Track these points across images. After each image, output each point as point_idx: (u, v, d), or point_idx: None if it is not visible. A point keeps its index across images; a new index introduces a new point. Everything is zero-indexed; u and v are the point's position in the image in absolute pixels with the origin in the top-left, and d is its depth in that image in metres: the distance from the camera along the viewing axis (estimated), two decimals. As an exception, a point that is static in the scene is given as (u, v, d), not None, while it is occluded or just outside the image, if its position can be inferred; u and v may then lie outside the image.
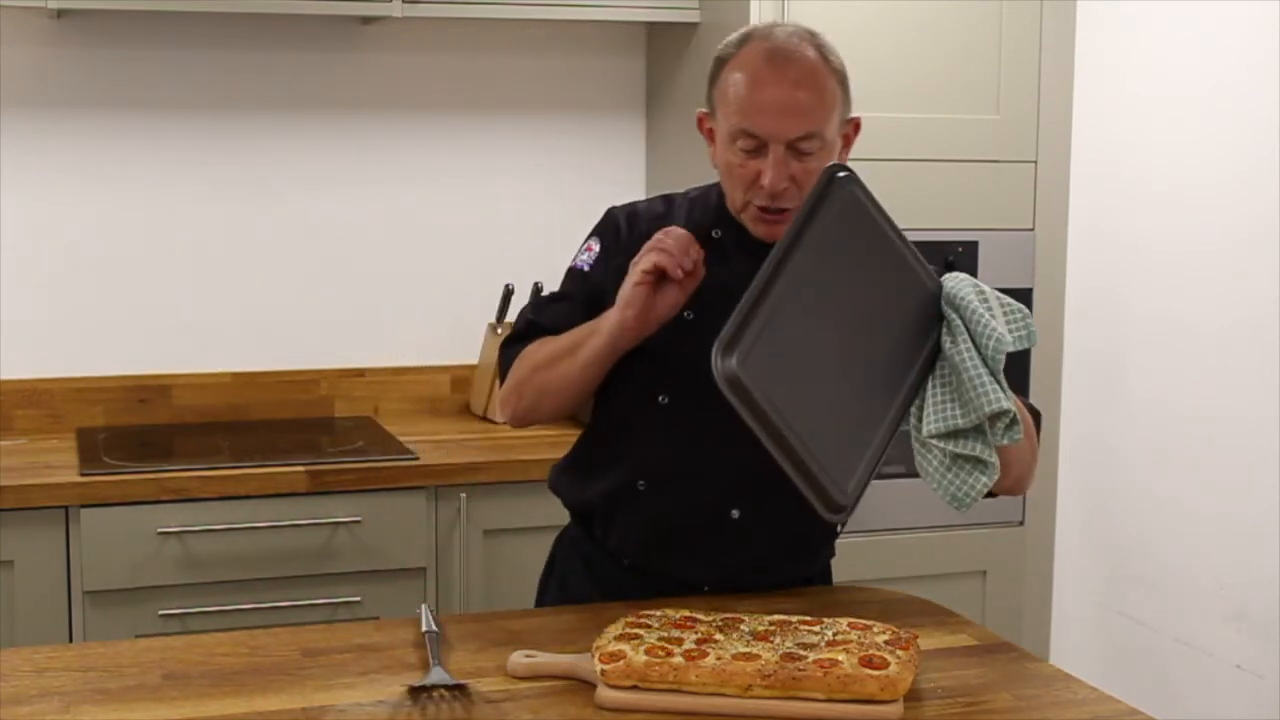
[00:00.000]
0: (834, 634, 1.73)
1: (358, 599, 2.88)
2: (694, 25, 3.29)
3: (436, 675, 1.67)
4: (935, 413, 1.78)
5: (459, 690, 1.65)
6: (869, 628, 1.75)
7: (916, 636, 1.75)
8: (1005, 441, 1.76)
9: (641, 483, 2.05)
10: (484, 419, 3.37)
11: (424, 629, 1.82)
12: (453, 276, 3.49)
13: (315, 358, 3.41)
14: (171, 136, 3.29)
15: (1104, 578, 3.29)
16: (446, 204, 3.48)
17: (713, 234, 2.02)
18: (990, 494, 1.84)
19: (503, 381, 2.10)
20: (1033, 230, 3.23)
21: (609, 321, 1.92)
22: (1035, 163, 3.22)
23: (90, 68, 3.23)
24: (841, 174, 1.82)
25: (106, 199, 3.27)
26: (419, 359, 3.49)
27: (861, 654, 1.65)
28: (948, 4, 3.13)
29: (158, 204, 3.30)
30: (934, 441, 1.78)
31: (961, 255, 3.18)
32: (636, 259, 1.91)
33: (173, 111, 3.29)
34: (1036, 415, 2.00)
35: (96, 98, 3.24)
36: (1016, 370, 3.26)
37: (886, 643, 1.69)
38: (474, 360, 3.45)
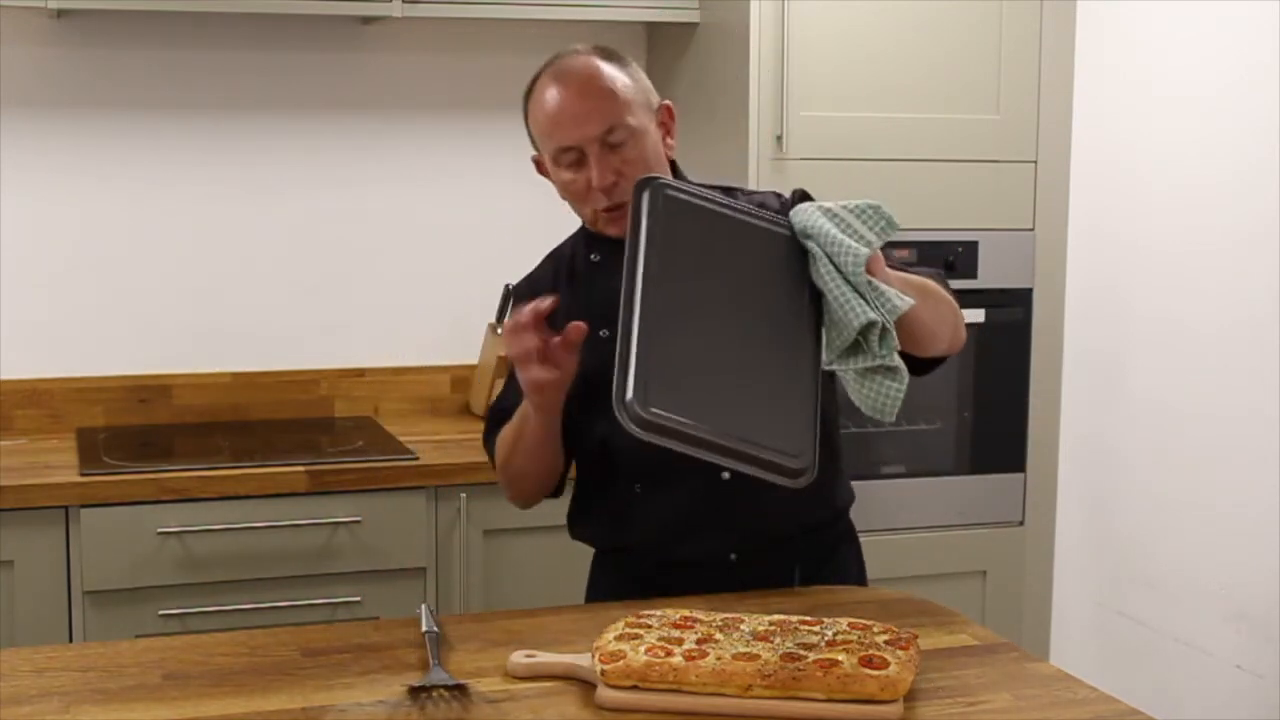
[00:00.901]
0: (834, 634, 1.73)
1: (358, 599, 2.88)
2: (694, 25, 3.29)
3: (436, 675, 1.67)
4: (825, 342, 1.81)
5: (459, 690, 1.65)
6: (869, 628, 1.75)
7: (916, 636, 1.75)
8: (885, 351, 1.77)
9: (638, 486, 2.12)
10: (484, 419, 3.37)
11: (424, 629, 1.82)
12: (453, 276, 3.49)
13: (315, 358, 3.41)
14: (171, 136, 3.29)
15: (1104, 578, 3.29)
16: (446, 204, 3.48)
17: (591, 258, 2.17)
18: (934, 361, 1.99)
19: (495, 469, 2.27)
20: (1033, 230, 3.23)
21: (528, 404, 2.05)
22: (1035, 163, 3.22)
23: (90, 68, 3.23)
24: (650, 182, 1.86)
25: (106, 199, 3.27)
26: (419, 359, 3.49)
27: (861, 654, 1.65)
28: (948, 4, 3.13)
29: (158, 204, 3.30)
30: (835, 368, 1.81)
31: (962, 255, 3.18)
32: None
33: (173, 111, 3.29)
34: (940, 276, 2.06)
35: (96, 98, 3.24)
36: (1017, 367, 3.26)
37: (886, 643, 1.69)
38: (474, 360, 3.45)
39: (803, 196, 2.07)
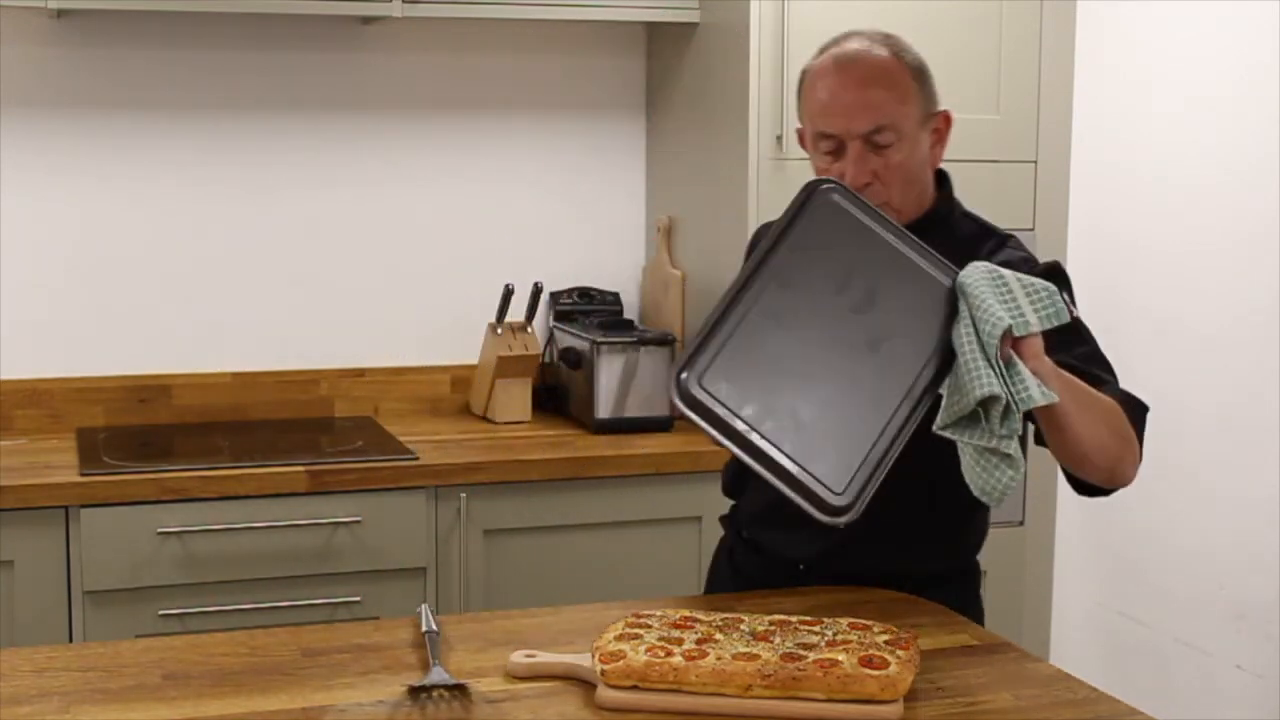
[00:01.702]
0: (834, 634, 1.73)
1: (358, 599, 2.88)
2: (694, 25, 3.29)
3: (436, 675, 1.67)
4: (944, 405, 1.76)
5: (459, 690, 1.65)
6: (869, 628, 1.75)
7: (916, 636, 1.75)
8: (1005, 432, 1.70)
9: None
10: (484, 419, 3.38)
11: (424, 629, 1.82)
12: (453, 276, 3.49)
13: (315, 358, 3.41)
14: (171, 136, 3.29)
15: (1104, 578, 3.29)
16: (446, 204, 3.48)
17: None
18: (1094, 488, 1.89)
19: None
20: (1033, 230, 3.23)
21: None
22: (1035, 163, 3.21)
23: (90, 68, 3.23)
24: (824, 185, 1.84)
25: (106, 199, 3.27)
26: (419, 359, 3.49)
27: (861, 654, 1.65)
28: (948, 4, 3.13)
29: (158, 204, 3.30)
30: (948, 434, 1.75)
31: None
32: None
33: (172, 111, 3.29)
34: (1136, 406, 1.94)
35: (96, 98, 3.24)
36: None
37: (886, 643, 1.69)
38: (474, 360, 3.45)
39: (1053, 270, 1.97)
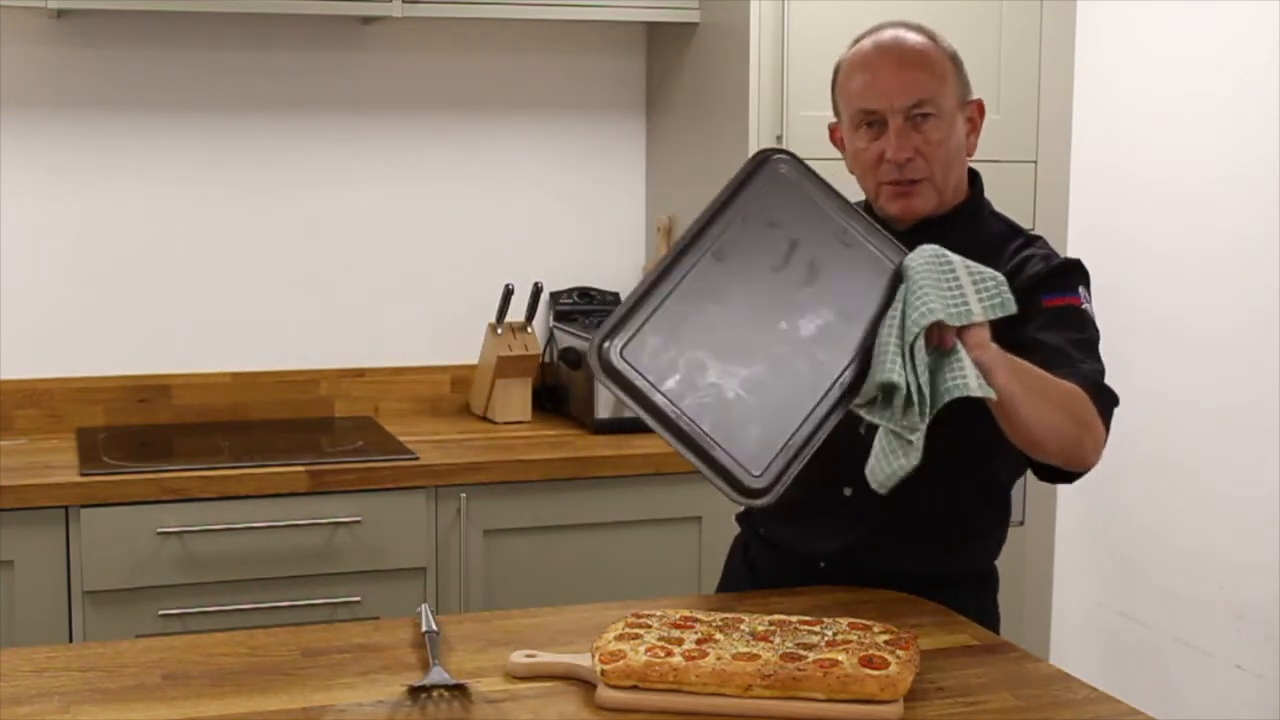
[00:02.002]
0: (834, 634, 1.73)
1: (358, 599, 2.88)
2: (694, 25, 3.29)
3: (436, 675, 1.67)
4: (863, 385, 1.72)
5: (459, 690, 1.65)
6: (869, 628, 1.75)
7: (917, 636, 1.75)
8: (906, 423, 1.68)
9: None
10: (484, 419, 3.37)
11: (424, 629, 1.82)
12: (453, 276, 3.49)
13: (315, 358, 3.41)
14: (171, 136, 3.29)
15: (1104, 578, 3.29)
16: (446, 204, 3.48)
17: None
18: (1057, 473, 1.91)
19: None
20: (1033, 230, 3.23)
21: None
22: (1035, 163, 3.21)
23: (90, 68, 3.23)
24: (775, 155, 1.82)
25: (106, 199, 3.27)
26: (419, 359, 3.49)
27: (861, 654, 1.65)
28: (948, 4, 3.13)
29: (158, 204, 3.30)
30: (863, 414, 1.72)
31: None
32: None
33: (172, 111, 3.29)
34: (1102, 392, 1.95)
35: (96, 98, 3.24)
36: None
37: (886, 643, 1.69)
38: (474, 360, 3.45)
39: (1072, 267, 2.00)
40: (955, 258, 1.78)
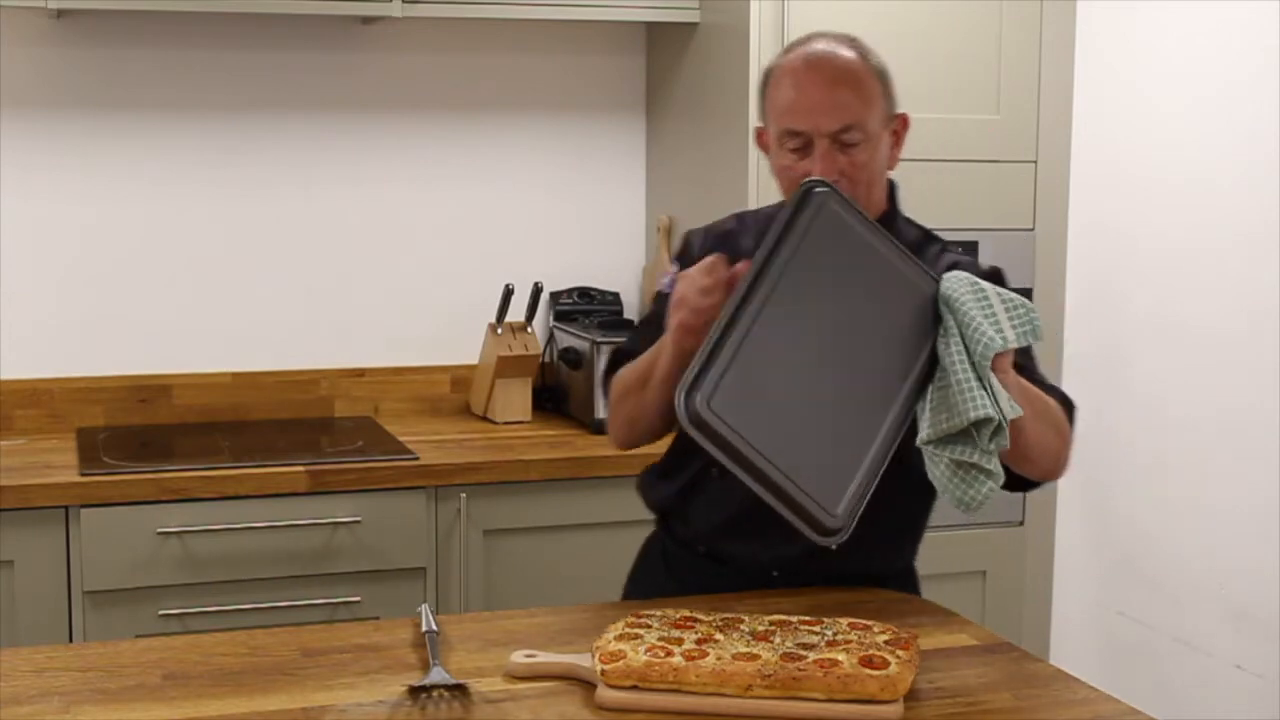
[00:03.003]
0: (834, 634, 1.73)
1: (358, 599, 2.88)
2: (694, 25, 3.29)
3: (436, 675, 1.67)
4: (930, 419, 1.78)
5: (459, 690, 1.65)
6: (869, 628, 1.75)
7: (916, 636, 1.75)
8: (993, 449, 1.75)
9: (715, 469, 2.06)
10: (484, 419, 3.38)
11: (424, 629, 1.82)
12: (453, 276, 3.49)
13: (315, 358, 3.41)
14: (171, 136, 3.29)
15: (1104, 578, 3.29)
16: (446, 204, 3.48)
17: None
18: (1028, 483, 1.94)
19: (605, 391, 2.23)
20: (1033, 230, 3.23)
21: (668, 340, 1.98)
22: (1035, 163, 3.21)
23: (90, 68, 3.23)
24: (819, 189, 1.85)
25: (106, 199, 3.27)
26: (419, 359, 3.49)
27: (861, 654, 1.65)
28: (948, 4, 3.13)
29: (158, 204, 3.30)
30: (931, 449, 1.78)
31: (961, 255, 3.18)
32: (670, 308, 1.95)
33: (173, 111, 3.29)
34: (1068, 403, 2.01)
35: (96, 98, 3.24)
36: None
37: (886, 643, 1.69)
38: (474, 360, 3.45)
39: (953, 266, 2.04)
40: (985, 284, 1.83)
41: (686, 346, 1.92)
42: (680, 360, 1.94)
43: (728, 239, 2.12)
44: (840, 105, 1.98)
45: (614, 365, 2.23)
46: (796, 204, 1.83)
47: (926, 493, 2.05)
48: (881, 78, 2.03)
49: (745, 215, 2.23)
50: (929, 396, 1.80)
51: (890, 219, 2.10)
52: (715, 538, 2.13)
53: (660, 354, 2.02)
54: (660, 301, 2.15)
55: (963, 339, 1.78)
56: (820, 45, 2.03)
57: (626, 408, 2.15)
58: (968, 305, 1.79)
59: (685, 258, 2.14)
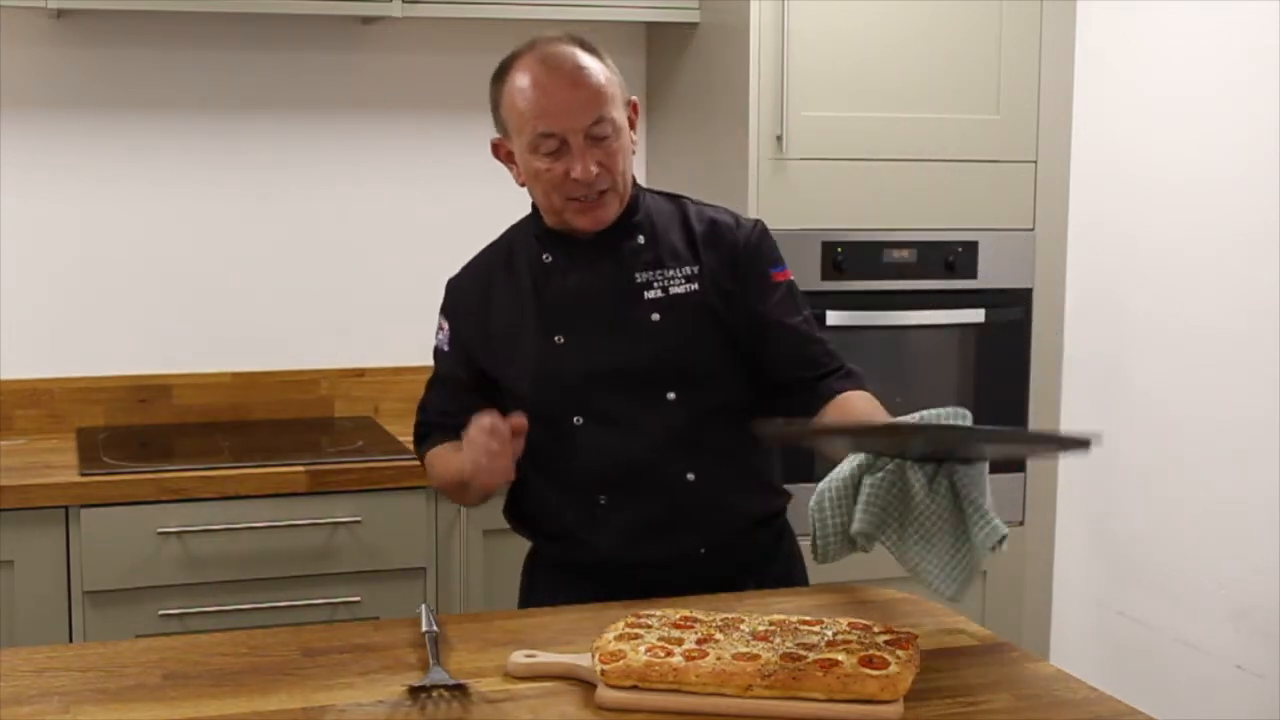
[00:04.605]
0: (834, 634, 1.73)
1: (358, 599, 2.88)
2: (694, 25, 3.29)
3: (436, 675, 1.67)
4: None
5: (459, 690, 1.65)
6: (869, 628, 1.75)
7: (916, 636, 1.75)
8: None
9: (602, 497, 2.13)
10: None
11: (424, 629, 1.82)
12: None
13: (315, 358, 3.41)
14: (171, 136, 3.29)
15: (1104, 578, 3.29)
16: (447, 204, 3.48)
17: (544, 259, 2.18)
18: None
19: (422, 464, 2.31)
20: (1033, 230, 3.23)
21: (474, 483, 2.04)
22: (1035, 163, 3.22)
23: (90, 68, 3.23)
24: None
25: (106, 199, 3.27)
26: (419, 359, 3.48)
27: (861, 654, 1.65)
28: (948, 4, 3.13)
29: (157, 203, 3.30)
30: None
31: (961, 255, 3.18)
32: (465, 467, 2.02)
33: (173, 111, 3.29)
34: (863, 380, 2.15)
35: (96, 98, 3.24)
36: (1016, 367, 3.26)
37: (886, 643, 1.69)
38: (474, 360, 3.45)
39: (765, 230, 2.17)
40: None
41: (491, 489, 2.04)
42: (484, 494, 2.08)
43: (488, 282, 2.24)
44: (587, 101, 2.04)
45: (424, 436, 2.29)
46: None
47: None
48: (609, 67, 2.10)
49: (499, 245, 2.32)
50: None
51: (638, 194, 2.17)
52: (635, 550, 2.13)
53: (466, 472, 2.03)
54: (442, 360, 2.26)
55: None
56: (550, 48, 2.09)
57: (455, 498, 2.26)
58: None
59: (452, 311, 2.27)
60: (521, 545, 2.99)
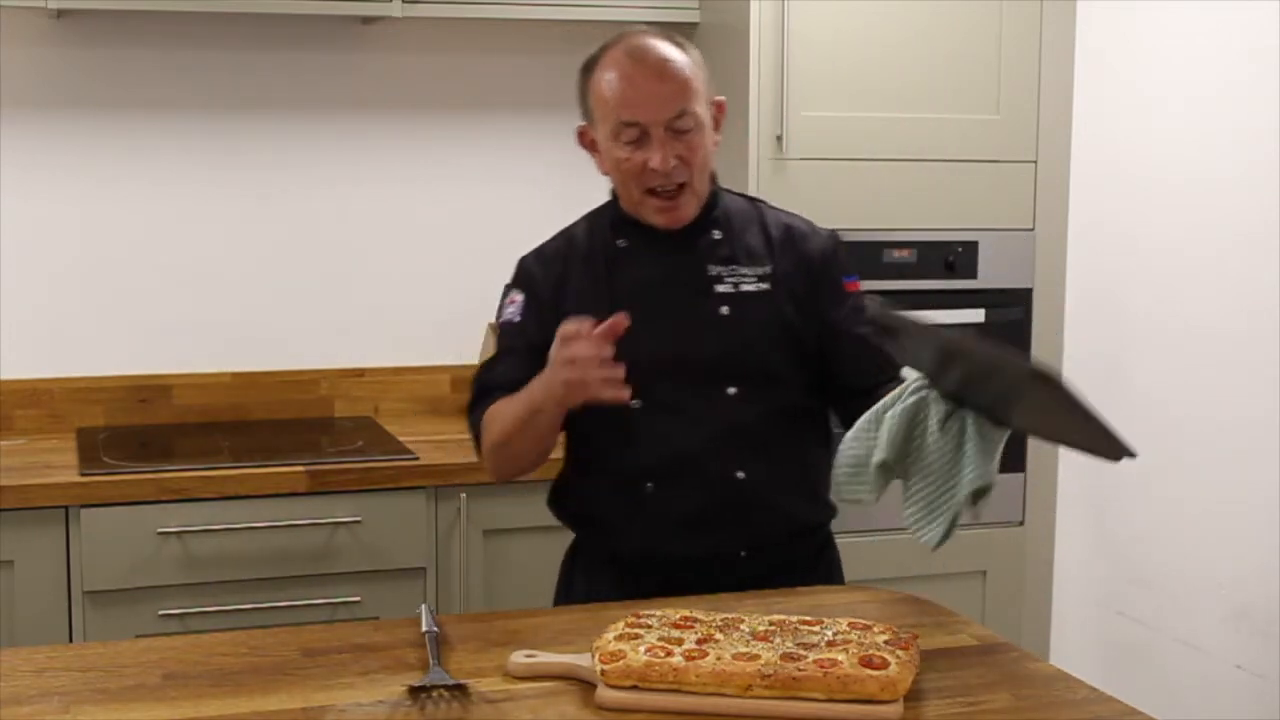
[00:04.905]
0: (834, 634, 1.73)
1: (358, 599, 2.88)
2: (694, 25, 3.29)
3: (436, 675, 1.67)
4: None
5: (459, 690, 1.65)
6: (869, 628, 1.75)
7: (916, 636, 1.75)
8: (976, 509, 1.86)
9: (649, 485, 2.13)
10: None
11: (424, 629, 1.82)
12: (453, 276, 3.49)
13: (315, 358, 3.41)
14: (171, 136, 3.29)
15: (1104, 578, 3.29)
16: (446, 204, 3.48)
17: (618, 244, 2.18)
18: None
19: (476, 445, 2.23)
20: (1033, 230, 3.23)
21: (552, 394, 2.02)
22: (1035, 163, 3.22)
23: (90, 68, 3.23)
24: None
25: (106, 199, 3.27)
26: (419, 359, 3.49)
27: (861, 654, 1.65)
28: (948, 4, 3.13)
29: (157, 203, 3.30)
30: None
31: (961, 255, 3.18)
32: (555, 359, 1.99)
33: (173, 111, 3.29)
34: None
35: (96, 98, 3.24)
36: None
37: (886, 643, 1.69)
38: (474, 360, 3.44)
39: (839, 239, 2.22)
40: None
41: (575, 401, 2.00)
42: (563, 407, 2.03)
43: (565, 262, 2.21)
44: (671, 94, 2.06)
45: (481, 398, 2.24)
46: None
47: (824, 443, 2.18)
48: (699, 65, 2.11)
49: (570, 230, 2.30)
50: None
51: (717, 192, 2.19)
52: (679, 543, 2.13)
53: (537, 411, 2.05)
54: (512, 333, 2.22)
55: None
56: (639, 40, 2.11)
57: (509, 451, 2.15)
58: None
59: (529, 285, 2.22)
60: (522, 546, 3.00)
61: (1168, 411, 3.11)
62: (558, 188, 3.56)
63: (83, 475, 2.78)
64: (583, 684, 1.68)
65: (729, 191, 2.24)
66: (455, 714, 1.60)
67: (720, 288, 2.13)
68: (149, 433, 3.21)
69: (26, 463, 2.90)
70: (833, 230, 2.23)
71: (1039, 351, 3.28)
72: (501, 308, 2.25)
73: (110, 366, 3.28)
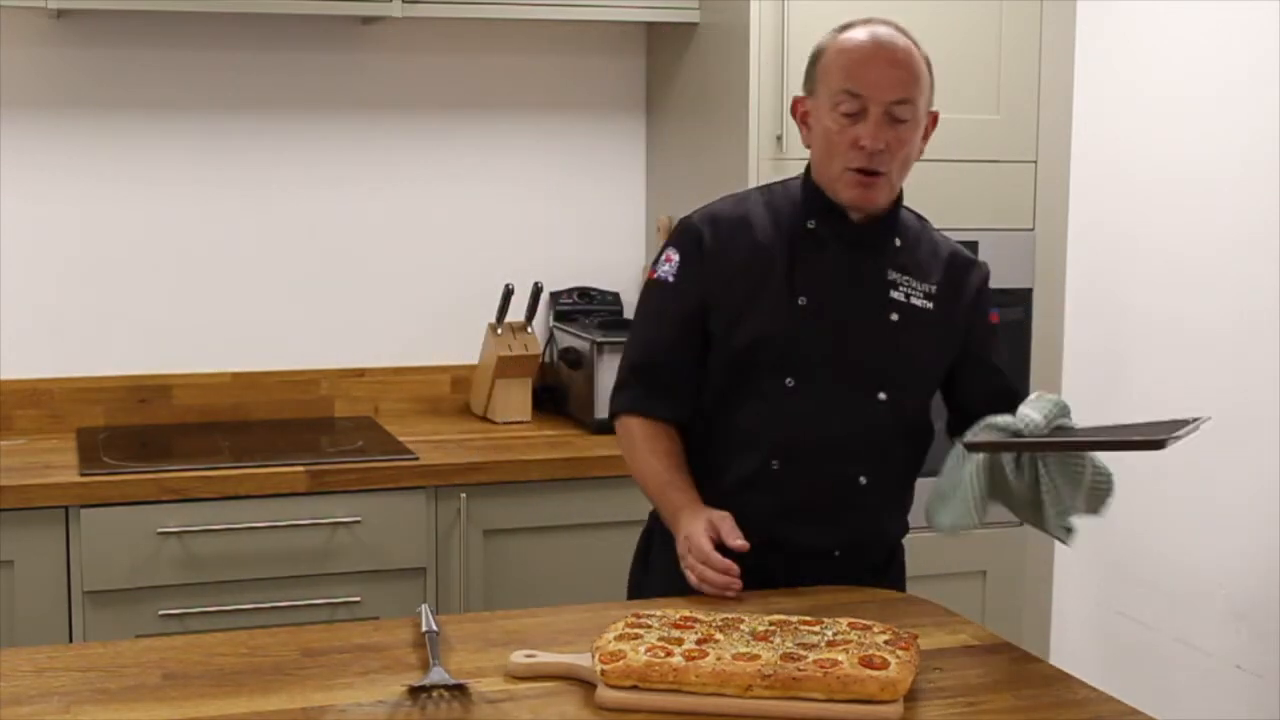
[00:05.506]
0: (834, 634, 1.73)
1: (358, 599, 2.88)
2: (694, 25, 3.29)
3: (436, 675, 1.67)
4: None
5: (459, 690, 1.65)
6: (869, 628, 1.75)
7: (916, 636, 1.75)
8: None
9: (775, 462, 2.13)
10: (484, 419, 3.37)
11: (424, 629, 1.82)
12: (453, 276, 3.49)
13: (315, 358, 3.41)
14: (171, 136, 3.29)
15: (1104, 578, 3.29)
16: (446, 204, 3.48)
17: (808, 224, 2.15)
18: None
19: (612, 417, 2.28)
20: (1033, 230, 3.23)
21: (681, 526, 2.10)
22: (1035, 163, 3.22)
23: (90, 68, 3.23)
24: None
25: (106, 199, 3.27)
26: (419, 359, 3.49)
27: (861, 654, 1.65)
28: (948, 4, 3.13)
29: (158, 203, 3.30)
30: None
31: (967, 255, 3.18)
32: (683, 556, 2.08)
33: (172, 112, 3.29)
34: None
35: (96, 98, 3.24)
36: (1017, 367, 3.26)
37: (886, 643, 1.69)
38: (474, 360, 3.45)
39: (986, 268, 2.29)
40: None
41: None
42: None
43: (739, 228, 2.16)
44: (900, 79, 2.07)
45: (628, 380, 2.22)
46: None
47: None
48: (929, 69, 2.13)
49: (749, 198, 2.24)
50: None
51: (899, 203, 2.19)
52: (775, 526, 2.13)
53: (664, 511, 2.18)
54: (664, 294, 2.19)
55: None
56: (880, 28, 2.11)
57: (644, 490, 2.25)
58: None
59: (692, 246, 2.17)
60: (521, 546, 3.00)
61: (1168, 411, 3.10)
62: (558, 188, 3.56)
63: (83, 475, 2.78)
64: (583, 684, 1.68)
65: (911, 210, 2.25)
66: (455, 714, 1.60)
67: (895, 294, 2.15)
68: (149, 433, 3.21)
69: (26, 463, 2.90)
70: (984, 262, 2.27)
71: (1039, 351, 3.28)
72: (657, 263, 2.22)
73: (110, 366, 3.28)
